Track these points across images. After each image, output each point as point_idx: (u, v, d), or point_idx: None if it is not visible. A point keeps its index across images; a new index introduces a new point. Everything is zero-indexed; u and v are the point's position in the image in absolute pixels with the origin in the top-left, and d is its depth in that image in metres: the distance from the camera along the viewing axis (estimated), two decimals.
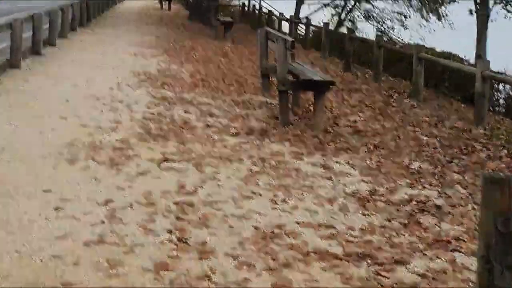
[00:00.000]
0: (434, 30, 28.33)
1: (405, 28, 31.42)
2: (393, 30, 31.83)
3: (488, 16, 15.00)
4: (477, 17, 15.77)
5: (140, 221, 4.84)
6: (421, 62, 11.91)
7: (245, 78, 12.85)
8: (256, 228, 4.91)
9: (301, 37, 24.75)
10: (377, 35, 16.25)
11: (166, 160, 6.54)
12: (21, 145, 6.72)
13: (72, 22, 20.02)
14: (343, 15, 32.12)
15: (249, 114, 9.32)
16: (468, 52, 16.93)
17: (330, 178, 6.43)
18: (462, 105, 12.59)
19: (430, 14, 29.32)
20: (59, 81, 10.91)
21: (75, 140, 7.05)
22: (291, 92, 9.53)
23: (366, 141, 8.29)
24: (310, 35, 23.12)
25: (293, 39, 8.80)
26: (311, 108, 10.20)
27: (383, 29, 31.99)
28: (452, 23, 27.78)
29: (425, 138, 8.82)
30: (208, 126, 8.31)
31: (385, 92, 12.70)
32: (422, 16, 30.06)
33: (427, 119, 10.15)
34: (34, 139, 7.00)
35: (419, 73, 11.91)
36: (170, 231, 4.71)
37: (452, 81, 14.03)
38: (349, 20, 32.33)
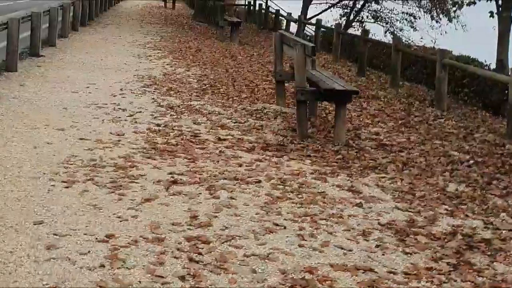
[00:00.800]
0: (446, 32, 27.55)
1: (415, 29, 30.67)
2: (401, 32, 31.08)
3: None
4: (498, 19, 14.97)
5: (146, 264, 4.10)
6: (444, 68, 11.14)
7: (256, 83, 12.11)
8: (283, 272, 4.16)
9: (308, 37, 23.98)
10: (394, 38, 15.49)
11: (175, 182, 5.80)
12: (12, 163, 5.99)
13: (73, 21, 19.30)
14: (351, 16, 31.30)
15: (263, 125, 8.56)
16: (481, 54, 16.15)
17: (360, 205, 5.68)
18: (487, 114, 11.80)
19: (441, 16, 28.53)
20: (57, 86, 10.19)
21: (72, 157, 6.32)
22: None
23: (392, 158, 7.54)
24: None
25: (313, 45, 8.03)
26: (329, 117, 9.47)
27: (392, 30, 31.22)
28: (465, 25, 27.01)
29: (455, 153, 8.06)
30: (220, 139, 7.56)
31: (404, 100, 11.93)
32: (432, 18, 29.29)
33: (454, 131, 9.38)
34: (27, 156, 6.27)
35: (442, 80, 11.12)
36: (182, 278, 3.96)
37: (472, 87, 13.24)
38: (358, 21, 31.54)
